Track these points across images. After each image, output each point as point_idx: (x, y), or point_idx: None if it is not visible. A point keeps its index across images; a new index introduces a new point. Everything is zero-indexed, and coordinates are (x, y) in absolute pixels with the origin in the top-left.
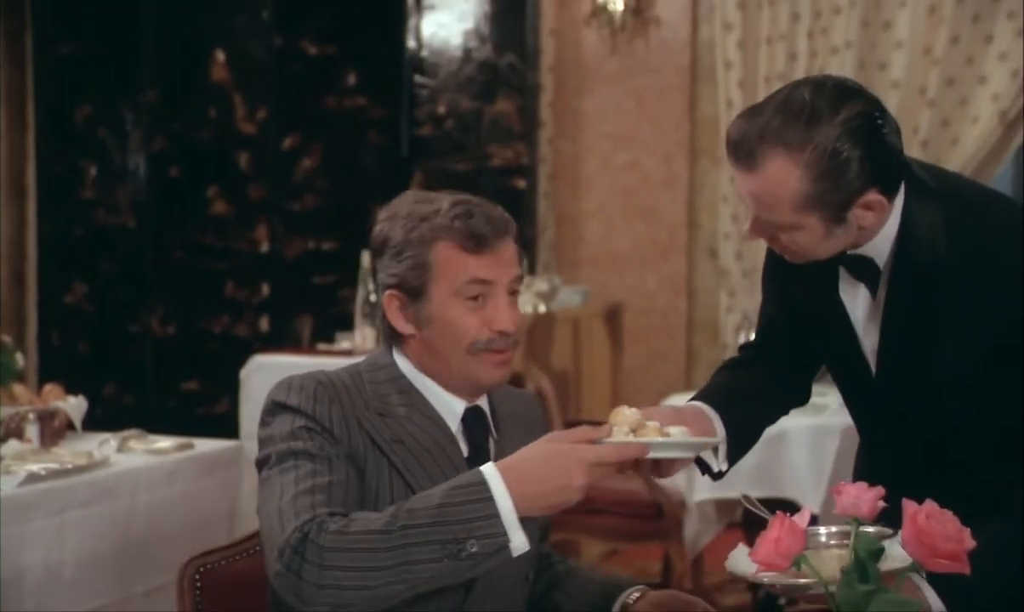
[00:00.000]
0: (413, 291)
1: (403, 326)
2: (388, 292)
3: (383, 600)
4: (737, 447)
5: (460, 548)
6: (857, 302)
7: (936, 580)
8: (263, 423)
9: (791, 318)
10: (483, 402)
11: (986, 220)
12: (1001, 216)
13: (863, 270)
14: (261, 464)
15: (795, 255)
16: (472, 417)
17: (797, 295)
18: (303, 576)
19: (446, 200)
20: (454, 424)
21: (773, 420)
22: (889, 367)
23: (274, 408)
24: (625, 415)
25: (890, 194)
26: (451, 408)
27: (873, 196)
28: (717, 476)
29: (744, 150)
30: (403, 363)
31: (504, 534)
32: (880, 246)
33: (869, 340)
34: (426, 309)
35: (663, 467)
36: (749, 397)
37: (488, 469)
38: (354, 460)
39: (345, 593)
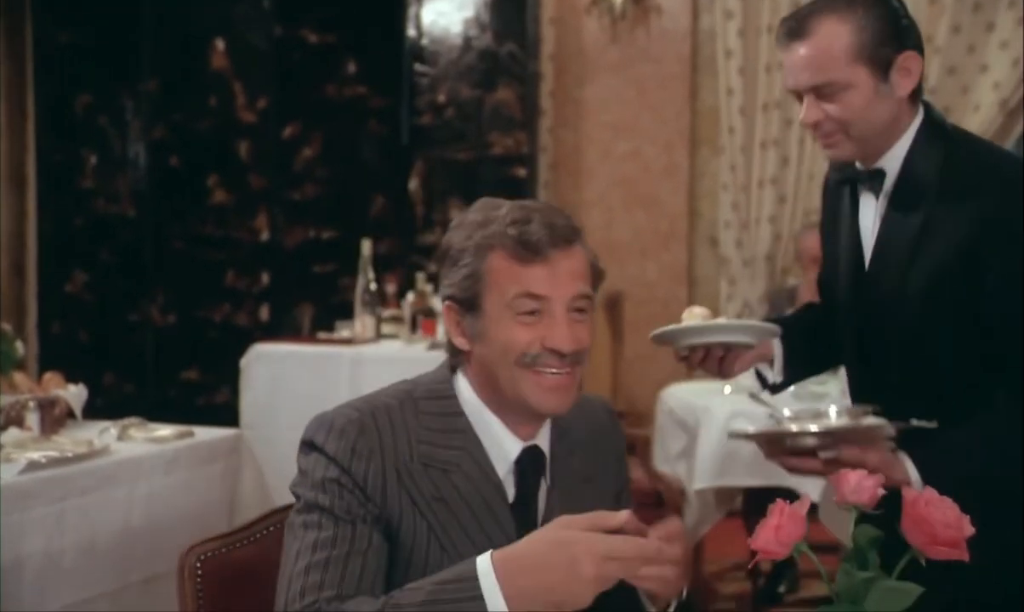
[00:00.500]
0: (467, 302)
1: (459, 340)
2: (446, 303)
3: None
4: (793, 365)
5: None
6: (867, 214)
7: (915, 454)
8: (301, 452)
9: (834, 270)
10: (543, 436)
11: (982, 160)
12: (997, 161)
13: (875, 181)
14: (296, 498)
15: (842, 138)
16: (527, 458)
17: (833, 242)
18: None
19: (509, 207)
20: (504, 468)
21: (827, 361)
22: (877, 264)
23: (311, 446)
24: (694, 312)
25: (919, 57)
26: (504, 452)
27: (910, 57)
28: (773, 389)
29: (796, 23)
30: (463, 386)
31: None
32: (892, 162)
33: (868, 245)
34: (480, 323)
35: (726, 365)
36: (810, 330)
37: (483, 563)
38: (386, 522)
39: None
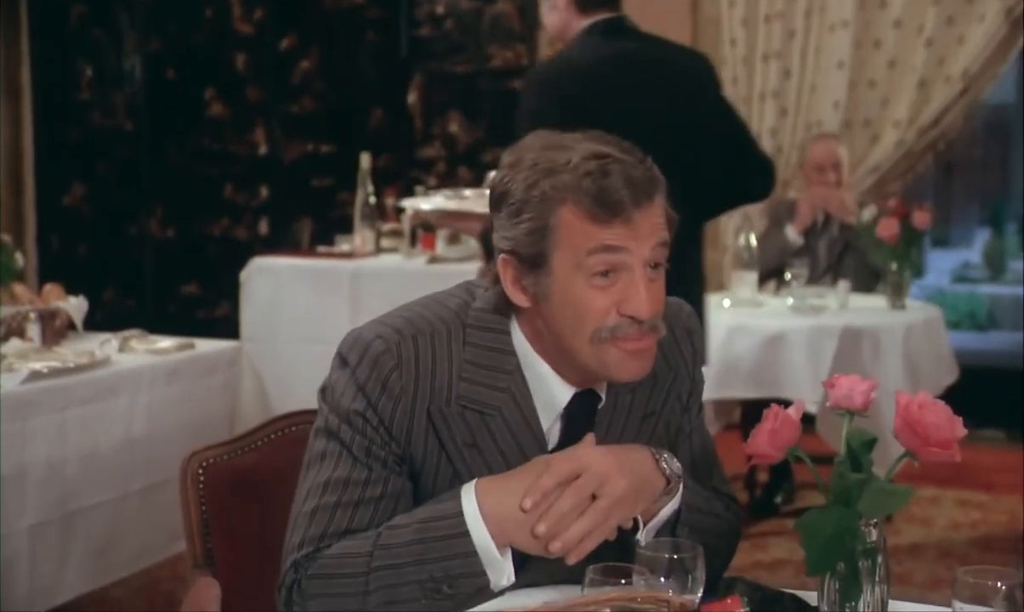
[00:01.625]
0: (531, 259)
1: (519, 297)
2: (503, 256)
3: None
4: None
5: (437, 588)
6: None
7: None
8: (335, 361)
9: None
10: (601, 385)
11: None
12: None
13: None
14: (320, 407)
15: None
16: (579, 404)
17: None
18: None
19: (580, 149)
20: (549, 417)
21: None
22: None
23: (344, 362)
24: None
25: None
26: (553, 397)
27: None
28: None
29: None
30: (516, 336)
31: (483, 574)
32: None
33: None
34: (545, 282)
35: None
36: None
37: (467, 497)
38: (410, 461)
39: None
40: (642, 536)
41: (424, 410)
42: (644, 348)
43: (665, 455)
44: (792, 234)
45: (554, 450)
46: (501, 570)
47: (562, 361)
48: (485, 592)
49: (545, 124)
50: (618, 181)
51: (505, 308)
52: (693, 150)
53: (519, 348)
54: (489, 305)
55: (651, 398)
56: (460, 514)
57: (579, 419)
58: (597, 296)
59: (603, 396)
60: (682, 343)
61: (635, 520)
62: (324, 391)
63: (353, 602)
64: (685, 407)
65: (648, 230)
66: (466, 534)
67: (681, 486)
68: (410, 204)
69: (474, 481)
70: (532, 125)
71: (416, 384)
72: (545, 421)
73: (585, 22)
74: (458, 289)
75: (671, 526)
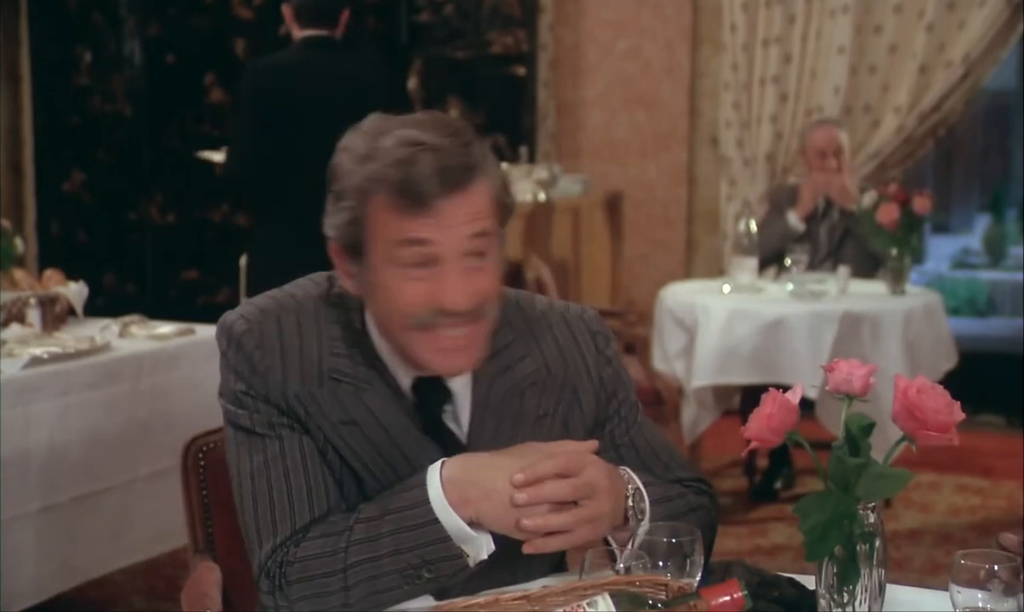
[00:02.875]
0: (351, 249)
1: (348, 284)
2: (331, 244)
3: None
4: None
5: (417, 575)
6: None
7: None
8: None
9: None
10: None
11: None
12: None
13: None
14: (219, 396)
15: None
16: (427, 387)
17: None
18: None
19: (396, 135)
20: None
21: None
22: None
23: (219, 348)
24: None
25: None
26: (402, 382)
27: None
28: None
29: None
30: (369, 323)
31: (460, 554)
32: None
33: None
34: (365, 274)
35: None
36: None
37: (433, 485)
38: (301, 422)
39: None
40: (620, 564)
41: (294, 392)
42: (462, 344)
43: (637, 493)
44: (793, 220)
45: (425, 428)
46: (478, 545)
47: (395, 349)
48: (465, 569)
49: (244, 112)
50: (426, 169)
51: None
52: None
53: (371, 330)
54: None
55: (542, 399)
56: (426, 501)
57: (431, 407)
58: (408, 288)
59: (451, 387)
60: (582, 344)
61: (611, 551)
62: (220, 387)
63: (337, 598)
64: (615, 415)
65: (462, 219)
66: (435, 521)
67: (648, 509)
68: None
69: (438, 463)
70: (235, 111)
71: (283, 362)
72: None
73: (301, 34)
74: (332, 271)
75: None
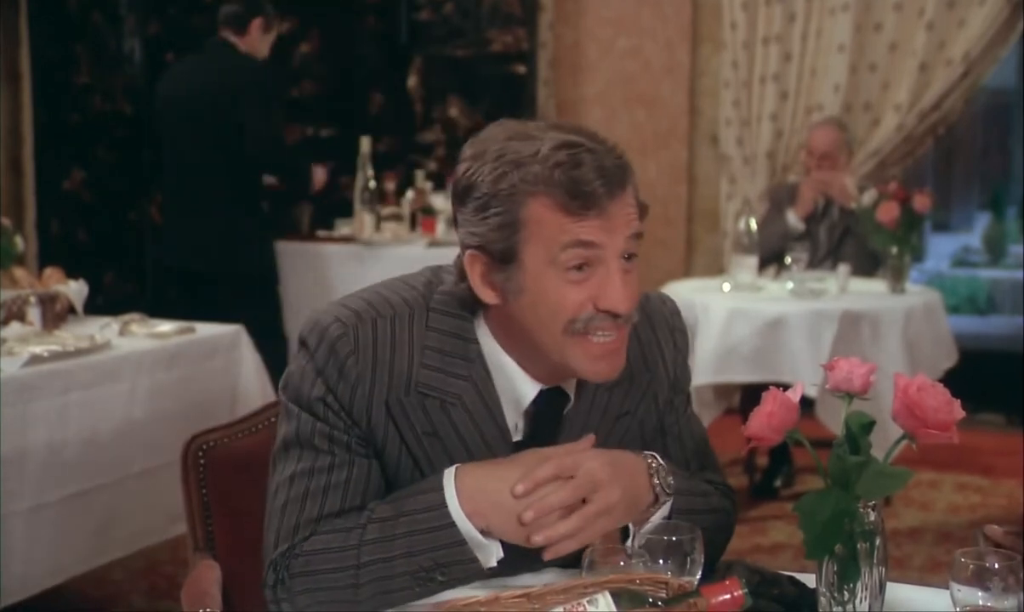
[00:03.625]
0: (500, 254)
1: (487, 294)
2: (470, 252)
3: None
4: None
5: (430, 577)
6: None
7: None
8: (298, 347)
9: None
10: (570, 380)
11: None
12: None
13: None
14: (280, 399)
15: None
16: (545, 401)
17: None
18: None
19: (548, 139)
20: (514, 413)
21: None
22: None
23: (303, 345)
24: None
25: None
26: (517, 395)
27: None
28: None
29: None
30: (481, 329)
31: (473, 559)
32: None
33: None
34: (516, 277)
35: None
36: None
37: (449, 489)
38: (372, 445)
39: None
40: (632, 543)
41: (382, 399)
42: (615, 348)
43: (660, 469)
44: (793, 219)
45: (519, 444)
46: (490, 552)
47: (529, 356)
48: (478, 574)
49: (153, 108)
50: (590, 171)
51: (471, 304)
52: (221, 134)
53: (483, 341)
54: (455, 295)
55: (627, 398)
56: (444, 505)
57: (546, 417)
58: (572, 290)
59: (571, 395)
60: (663, 342)
61: (626, 526)
62: (285, 383)
63: (343, 595)
64: (670, 404)
65: (622, 221)
66: (452, 525)
67: (674, 482)
68: None
69: (454, 468)
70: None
71: (374, 370)
72: (509, 416)
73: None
74: (425, 271)
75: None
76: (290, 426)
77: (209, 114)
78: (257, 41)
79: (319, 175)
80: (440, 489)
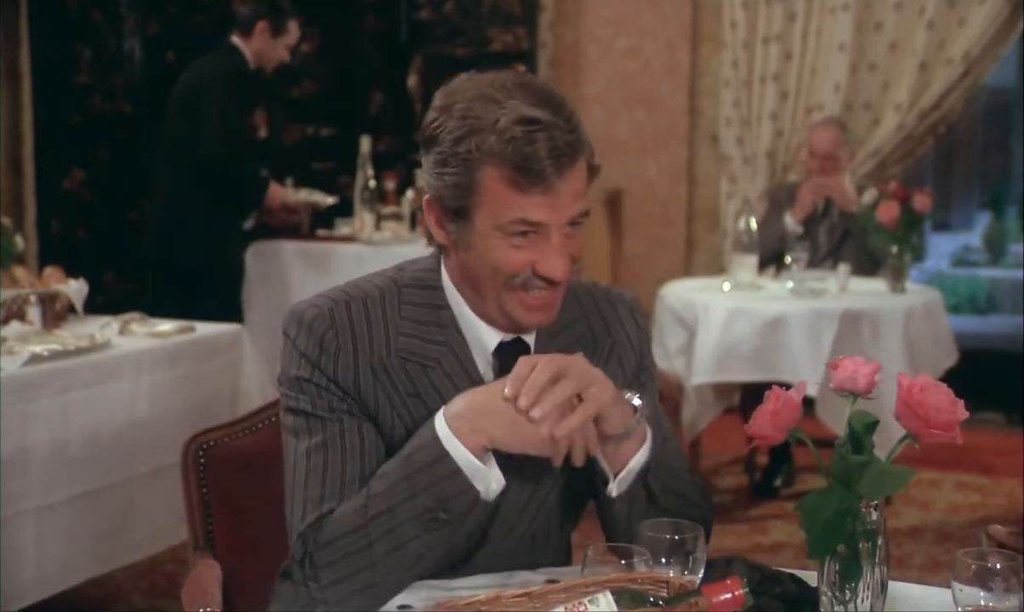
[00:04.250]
0: (454, 211)
1: (440, 235)
2: (427, 198)
3: (392, 589)
4: None
5: (434, 517)
6: None
7: None
8: (283, 338)
9: None
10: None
11: None
12: None
13: None
14: (279, 390)
15: None
16: (508, 350)
17: None
18: (313, 594)
19: (509, 109)
20: (483, 362)
21: None
22: None
23: (285, 336)
24: None
25: None
26: (483, 344)
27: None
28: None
29: None
30: (448, 288)
31: (471, 488)
32: None
33: None
34: (466, 233)
35: None
36: None
37: (439, 422)
38: (365, 410)
39: (354, 599)
40: (613, 487)
41: (366, 363)
42: (549, 302)
43: (630, 394)
44: (791, 223)
45: None
46: (488, 478)
47: (480, 305)
48: (480, 505)
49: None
50: (542, 150)
51: (436, 257)
52: (181, 131)
53: (451, 299)
54: (425, 263)
55: (592, 358)
56: (436, 438)
57: (511, 366)
58: (514, 253)
59: (531, 345)
60: (624, 318)
61: (603, 473)
62: (279, 376)
63: (360, 559)
64: (642, 387)
65: (569, 197)
66: (446, 455)
67: (649, 434)
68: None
69: (443, 407)
70: None
71: (353, 342)
72: (481, 366)
73: None
74: (393, 266)
75: (642, 480)
76: (290, 409)
77: (178, 110)
78: (263, 44)
79: (276, 195)
80: (431, 426)
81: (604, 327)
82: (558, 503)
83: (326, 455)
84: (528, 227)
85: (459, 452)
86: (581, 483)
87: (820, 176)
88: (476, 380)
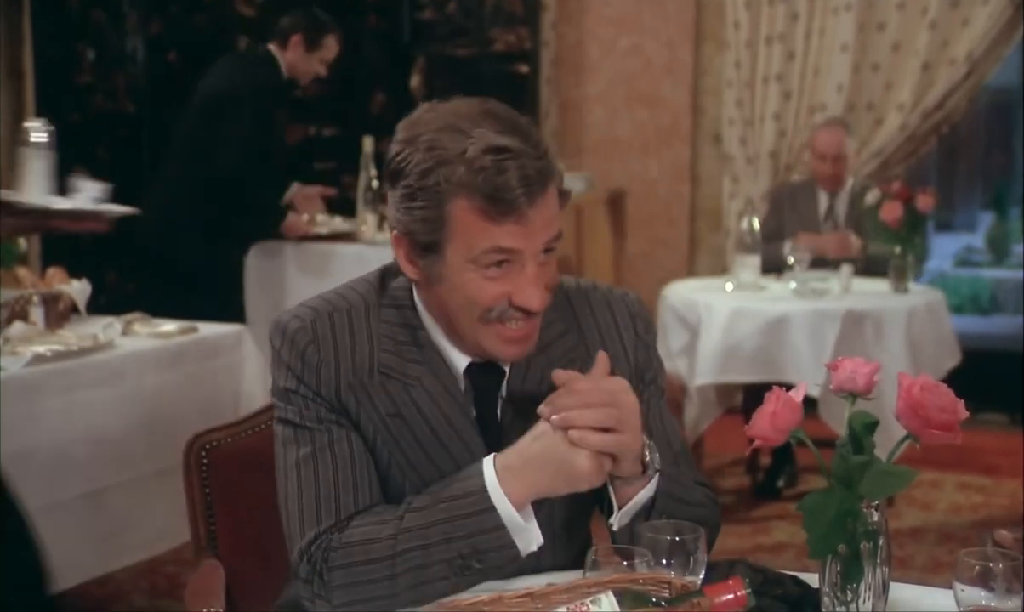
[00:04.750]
0: (424, 245)
1: (409, 270)
2: (395, 233)
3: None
4: None
5: (467, 565)
6: None
7: None
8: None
9: None
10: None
11: None
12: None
13: None
14: (271, 394)
15: None
16: (480, 371)
17: None
18: (320, 608)
19: (476, 139)
20: (462, 382)
21: None
22: None
23: (272, 348)
24: None
25: None
26: (455, 366)
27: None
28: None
29: None
30: (421, 309)
31: (512, 545)
32: None
33: None
34: (437, 267)
35: None
36: None
37: (489, 473)
38: (350, 422)
39: None
40: (616, 520)
41: (346, 381)
42: (526, 334)
43: (650, 444)
44: (788, 250)
45: (477, 417)
46: (529, 536)
47: (452, 331)
48: (515, 561)
49: None
50: (513, 178)
51: (411, 286)
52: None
53: (425, 321)
54: (401, 281)
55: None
56: (484, 490)
57: (489, 386)
58: (489, 285)
59: (506, 369)
60: (622, 326)
61: (610, 503)
62: (271, 386)
63: (380, 587)
64: (640, 396)
65: (542, 224)
66: (492, 509)
67: (657, 476)
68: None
69: (491, 456)
70: None
71: (335, 355)
72: (463, 386)
73: None
74: (378, 270)
75: (646, 513)
76: (280, 419)
77: (200, 114)
78: (298, 57)
79: (293, 227)
80: (479, 475)
81: (597, 336)
82: (564, 522)
83: (316, 466)
84: (503, 255)
85: (504, 507)
86: (587, 507)
87: (833, 177)
88: (458, 399)
